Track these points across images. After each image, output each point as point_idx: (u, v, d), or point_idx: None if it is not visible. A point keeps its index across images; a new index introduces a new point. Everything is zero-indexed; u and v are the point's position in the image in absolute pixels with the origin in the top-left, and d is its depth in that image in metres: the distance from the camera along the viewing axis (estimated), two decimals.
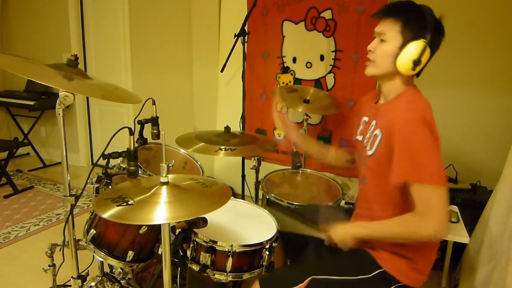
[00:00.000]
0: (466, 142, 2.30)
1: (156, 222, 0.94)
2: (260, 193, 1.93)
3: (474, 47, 2.23)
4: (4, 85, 4.21)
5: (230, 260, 1.27)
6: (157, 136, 1.77)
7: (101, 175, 1.48)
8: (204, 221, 1.23)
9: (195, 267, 1.32)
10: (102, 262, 1.56)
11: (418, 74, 1.19)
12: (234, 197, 1.65)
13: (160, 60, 3.39)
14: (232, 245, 1.27)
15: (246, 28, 2.30)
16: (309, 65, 2.67)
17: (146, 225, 1.37)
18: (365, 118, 1.32)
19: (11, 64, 1.19)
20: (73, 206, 1.33)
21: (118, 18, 3.48)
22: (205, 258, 1.29)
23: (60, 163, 1.41)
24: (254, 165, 2.14)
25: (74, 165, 4.00)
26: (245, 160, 2.49)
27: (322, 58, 2.61)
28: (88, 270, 1.58)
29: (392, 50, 1.14)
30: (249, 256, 1.32)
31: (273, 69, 2.79)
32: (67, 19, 3.69)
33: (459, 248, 1.92)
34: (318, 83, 2.66)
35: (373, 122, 1.23)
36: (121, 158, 1.53)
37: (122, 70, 3.60)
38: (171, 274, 1.12)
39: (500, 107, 2.23)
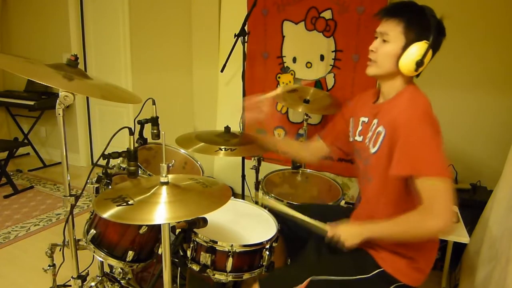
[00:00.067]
0: (466, 142, 2.30)
1: (156, 222, 0.94)
2: (260, 193, 1.93)
3: (474, 47, 2.23)
4: (4, 85, 4.21)
5: (230, 260, 1.27)
6: (157, 136, 1.77)
7: (101, 175, 1.48)
8: (204, 221, 1.23)
9: (195, 267, 1.32)
10: (102, 262, 1.56)
11: (418, 74, 1.20)
12: (234, 197, 1.65)
13: (160, 60, 3.39)
14: (232, 245, 1.27)
15: (246, 28, 2.30)
16: (309, 65, 2.67)
17: (146, 225, 1.37)
18: (364, 119, 1.31)
19: (11, 64, 1.19)
20: (73, 206, 1.33)
21: (118, 18, 3.48)
22: (205, 258, 1.29)
23: (60, 163, 1.42)
24: (254, 165, 2.14)
25: (74, 165, 4.00)
26: (245, 160, 2.49)
27: (322, 58, 2.61)
28: (88, 270, 1.58)
29: (395, 51, 1.14)
30: (249, 256, 1.32)
31: (273, 69, 2.79)
32: (67, 19, 3.68)
33: (459, 248, 1.92)
34: (318, 83, 2.66)
35: (375, 121, 1.23)
36: (121, 158, 1.52)
37: (122, 70, 3.59)
38: (171, 274, 1.12)
39: (500, 107, 2.23)
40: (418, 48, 1.10)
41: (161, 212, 0.96)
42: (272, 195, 1.78)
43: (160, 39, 3.33)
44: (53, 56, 3.85)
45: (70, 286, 1.49)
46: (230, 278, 1.30)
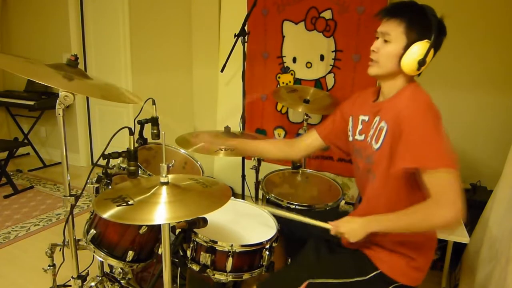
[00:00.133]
0: (465, 142, 2.31)
1: (156, 222, 0.94)
2: (260, 193, 1.93)
3: (473, 47, 2.23)
4: (4, 85, 4.21)
5: (230, 260, 1.27)
6: (157, 136, 1.77)
7: (101, 175, 1.48)
8: (204, 221, 1.23)
9: (195, 267, 1.32)
10: (102, 262, 1.56)
11: (419, 74, 1.20)
12: (234, 197, 1.65)
13: (160, 60, 3.39)
14: (232, 245, 1.27)
15: (246, 28, 2.30)
16: (309, 65, 2.67)
17: (146, 225, 1.37)
18: (364, 117, 1.31)
19: (11, 64, 1.19)
20: (73, 206, 1.33)
21: (118, 18, 3.48)
22: (205, 258, 1.29)
23: (60, 163, 1.41)
24: (254, 165, 2.14)
25: (74, 165, 4.00)
26: (245, 160, 2.49)
27: (322, 58, 2.61)
28: (88, 270, 1.58)
29: (397, 51, 1.15)
30: (249, 256, 1.32)
31: (273, 69, 2.79)
32: (67, 19, 3.69)
33: (459, 248, 1.93)
34: (318, 83, 2.66)
35: (376, 119, 1.23)
36: (121, 158, 1.52)
37: (122, 70, 3.60)
38: (171, 274, 1.12)
39: (500, 107, 2.23)
40: (420, 48, 1.11)
41: (161, 212, 0.96)
42: (272, 195, 1.78)
43: (160, 39, 3.33)
44: (53, 56, 3.85)
45: (70, 286, 1.49)
46: (230, 278, 1.30)
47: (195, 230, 1.28)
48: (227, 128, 1.90)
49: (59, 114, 1.23)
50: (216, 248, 1.28)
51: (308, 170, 2.18)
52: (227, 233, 1.41)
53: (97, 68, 3.78)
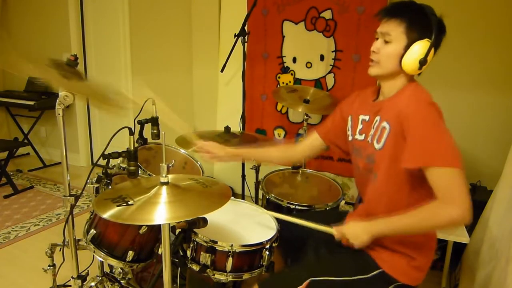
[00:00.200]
0: (465, 142, 2.30)
1: (156, 222, 0.94)
2: (260, 193, 1.93)
3: (473, 47, 2.23)
4: (4, 85, 4.21)
5: (230, 260, 1.27)
6: (157, 136, 1.77)
7: (101, 175, 1.48)
8: (204, 221, 1.23)
9: (195, 267, 1.32)
10: (102, 262, 1.56)
11: (419, 73, 1.20)
12: (234, 197, 1.65)
13: (160, 60, 3.39)
14: (232, 245, 1.27)
15: (246, 28, 2.30)
16: (309, 65, 2.67)
17: (146, 225, 1.37)
18: (364, 117, 1.30)
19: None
20: (73, 206, 1.33)
21: (118, 18, 3.48)
22: (205, 258, 1.29)
23: (60, 163, 1.41)
24: (254, 165, 2.14)
25: (74, 165, 4.00)
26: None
27: (322, 58, 2.61)
28: (88, 270, 1.58)
29: (397, 51, 1.15)
30: (249, 256, 1.32)
31: (273, 69, 2.79)
32: (67, 19, 3.69)
33: (459, 248, 1.93)
34: (318, 83, 2.66)
35: (377, 118, 1.22)
36: (121, 158, 1.52)
37: (122, 70, 3.59)
38: (171, 274, 1.12)
39: (500, 107, 2.23)
40: (420, 47, 1.11)
41: (161, 212, 0.96)
42: (272, 195, 1.78)
43: (160, 39, 3.33)
44: (53, 56, 3.84)
45: (70, 286, 1.49)
46: (230, 278, 1.30)
47: (195, 230, 1.28)
48: (227, 128, 1.90)
49: (59, 114, 1.23)
50: (216, 248, 1.28)
51: (308, 170, 2.18)
52: (227, 233, 1.41)
53: (97, 68, 3.78)
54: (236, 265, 1.29)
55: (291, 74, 2.74)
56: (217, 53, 2.98)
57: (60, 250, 1.48)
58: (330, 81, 2.62)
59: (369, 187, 1.27)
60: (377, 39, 1.20)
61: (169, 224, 1.06)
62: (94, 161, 4.09)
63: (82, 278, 1.47)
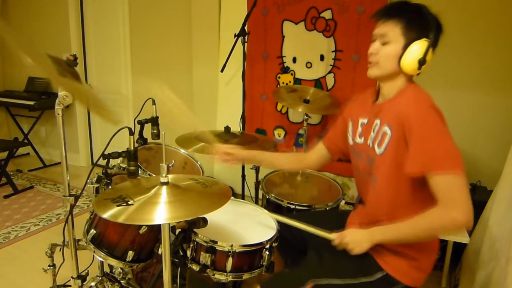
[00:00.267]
0: (465, 142, 2.30)
1: (156, 222, 0.94)
2: (260, 193, 1.93)
3: (474, 47, 2.23)
4: (4, 85, 4.22)
5: (230, 260, 1.27)
6: (157, 136, 1.77)
7: (101, 175, 1.48)
8: (204, 221, 1.23)
9: (195, 267, 1.32)
10: (102, 262, 1.56)
11: (418, 73, 1.19)
12: (234, 197, 1.65)
13: (160, 60, 3.39)
14: (232, 245, 1.27)
15: (246, 28, 2.30)
16: (309, 65, 2.67)
17: (146, 225, 1.37)
18: (363, 120, 1.30)
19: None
20: (72, 206, 1.33)
21: (118, 18, 3.48)
22: (205, 258, 1.29)
23: (60, 163, 1.41)
24: (254, 165, 2.14)
25: (74, 165, 4.00)
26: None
27: (322, 58, 2.61)
28: (88, 270, 1.58)
29: (396, 52, 1.14)
30: (249, 256, 1.32)
31: (273, 69, 2.79)
32: (67, 19, 3.69)
33: (459, 248, 1.93)
34: (318, 83, 2.66)
35: (376, 121, 1.21)
36: (121, 158, 1.53)
37: (122, 70, 3.60)
38: (171, 274, 1.12)
39: (500, 107, 2.23)
40: (419, 47, 1.10)
41: (161, 212, 0.96)
42: (272, 195, 1.78)
43: (160, 39, 3.33)
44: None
45: (70, 286, 1.49)
46: (230, 278, 1.30)
47: (195, 230, 1.28)
48: (227, 128, 1.90)
49: (58, 114, 1.23)
50: (216, 248, 1.28)
51: (308, 170, 2.18)
52: (227, 233, 1.41)
53: (97, 68, 3.78)
54: (236, 265, 1.29)
55: (291, 74, 2.74)
56: (217, 53, 2.98)
57: (60, 250, 1.48)
58: (330, 81, 2.62)
59: (370, 190, 1.26)
60: (374, 41, 1.20)
61: (169, 224, 1.06)
62: (94, 161, 4.09)
63: (82, 278, 1.47)
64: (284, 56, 2.74)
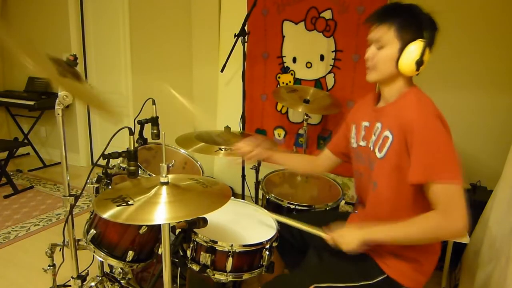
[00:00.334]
0: (466, 142, 2.31)
1: (156, 222, 0.94)
2: (260, 193, 1.93)
3: (474, 47, 2.23)
4: (4, 85, 4.22)
5: (230, 260, 1.27)
6: (157, 136, 1.77)
7: (101, 175, 1.48)
8: (204, 221, 1.23)
9: (195, 267, 1.32)
10: (102, 262, 1.56)
11: (417, 74, 1.19)
12: (234, 197, 1.65)
13: (160, 60, 3.39)
14: (232, 245, 1.27)
15: (246, 28, 2.30)
16: (309, 65, 2.67)
17: (146, 225, 1.37)
18: (366, 123, 1.29)
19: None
20: (72, 206, 1.33)
21: (118, 18, 3.48)
22: (205, 258, 1.29)
23: (60, 163, 1.41)
24: (254, 165, 2.14)
25: (74, 165, 4.00)
26: (245, 160, 2.49)
27: (322, 58, 2.61)
28: (88, 270, 1.58)
29: (393, 54, 1.13)
30: (249, 256, 1.32)
31: (273, 69, 2.79)
32: (67, 19, 3.69)
33: (459, 248, 1.92)
34: (318, 83, 2.66)
35: (378, 125, 1.21)
36: (121, 158, 1.52)
37: (122, 70, 3.59)
38: (171, 274, 1.12)
39: (500, 107, 2.23)
40: (415, 48, 1.10)
41: (161, 212, 0.96)
42: (272, 195, 1.78)
43: (160, 39, 3.33)
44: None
45: (70, 286, 1.49)
46: (230, 278, 1.30)
47: (195, 230, 1.28)
48: (227, 128, 1.90)
49: (58, 114, 1.23)
50: (216, 248, 1.28)
51: None
52: (227, 233, 1.41)
53: (97, 68, 3.78)
54: (236, 265, 1.29)
55: (291, 74, 2.74)
56: (217, 53, 2.98)
57: (60, 250, 1.48)
58: (330, 81, 2.62)
59: (370, 194, 1.26)
60: (370, 45, 1.19)
61: (169, 224, 1.06)
62: (94, 161, 4.09)
63: (82, 278, 1.47)
64: (284, 56, 2.74)
